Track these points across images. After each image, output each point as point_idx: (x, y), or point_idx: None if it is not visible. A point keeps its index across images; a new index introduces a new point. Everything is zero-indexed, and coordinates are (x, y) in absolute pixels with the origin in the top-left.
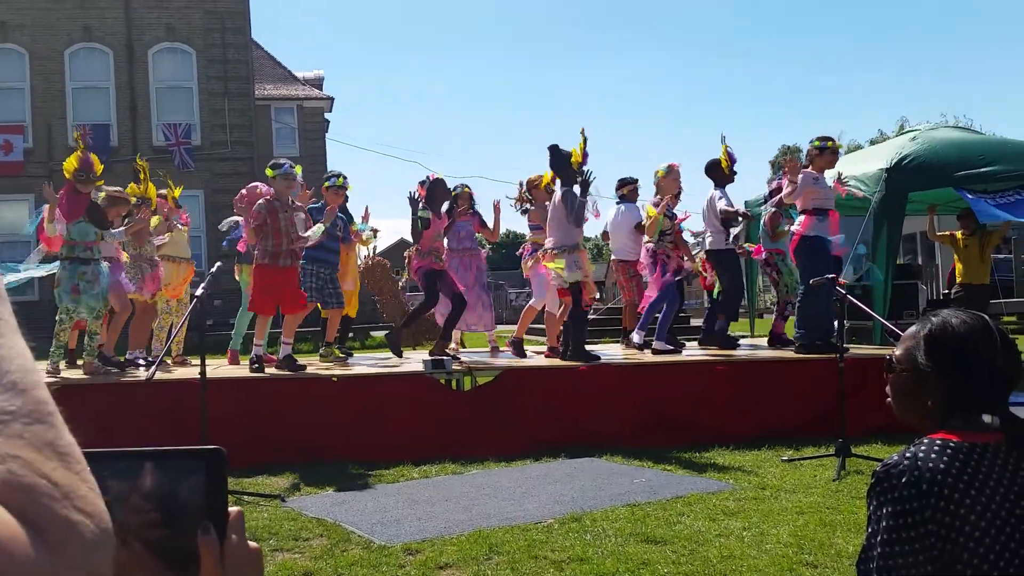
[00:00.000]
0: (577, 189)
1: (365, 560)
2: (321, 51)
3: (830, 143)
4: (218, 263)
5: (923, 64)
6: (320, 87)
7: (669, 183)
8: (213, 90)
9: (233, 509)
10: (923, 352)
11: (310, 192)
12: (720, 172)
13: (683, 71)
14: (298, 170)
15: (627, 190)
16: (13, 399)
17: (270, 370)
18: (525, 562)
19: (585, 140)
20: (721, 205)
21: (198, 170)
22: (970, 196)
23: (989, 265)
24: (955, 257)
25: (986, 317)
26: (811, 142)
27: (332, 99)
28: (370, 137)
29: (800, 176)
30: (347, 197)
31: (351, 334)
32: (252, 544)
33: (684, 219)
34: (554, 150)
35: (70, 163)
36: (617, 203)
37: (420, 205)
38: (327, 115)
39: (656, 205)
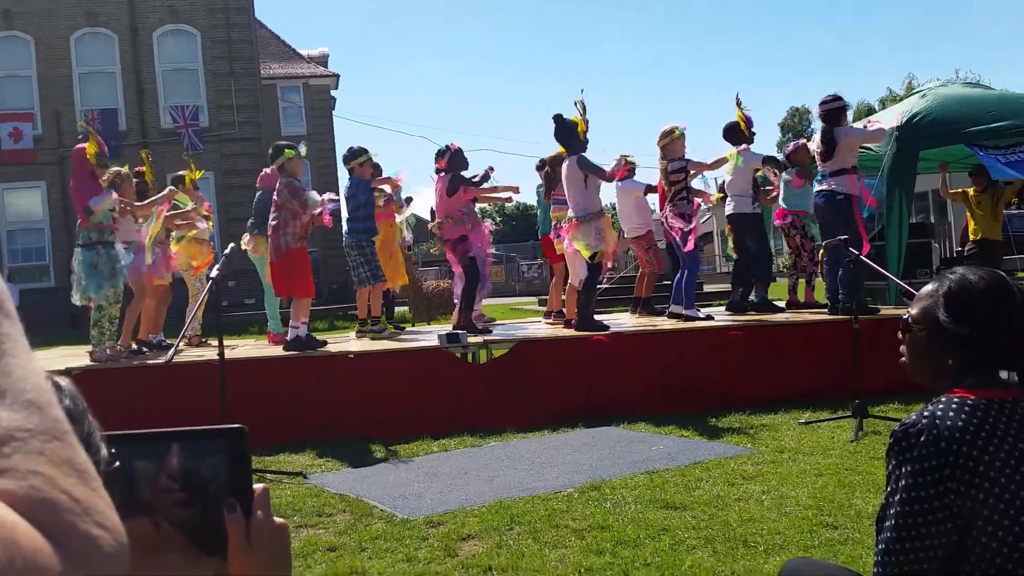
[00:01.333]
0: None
1: (388, 534)
2: (325, 28)
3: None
4: (231, 244)
5: (929, 21)
6: (325, 64)
7: (679, 146)
8: (219, 71)
9: (258, 486)
10: (943, 309)
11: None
12: (740, 134)
13: (688, 35)
14: (304, 150)
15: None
16: (31, 417)
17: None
18: (547, 531)
19: (584, 109)
20: (753, 165)
21: (207, 152)
22: (981, 153)
23: (1002, 221)
24: (967, 214)
25: (1002, 273)
26: (839, 101)
27: (338, 76)
28: (377, 113)
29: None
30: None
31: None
32: (278, 520)
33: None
34: (559, 120)
35: (92, 147)
36: (617, 180)
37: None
38: (333, 92)
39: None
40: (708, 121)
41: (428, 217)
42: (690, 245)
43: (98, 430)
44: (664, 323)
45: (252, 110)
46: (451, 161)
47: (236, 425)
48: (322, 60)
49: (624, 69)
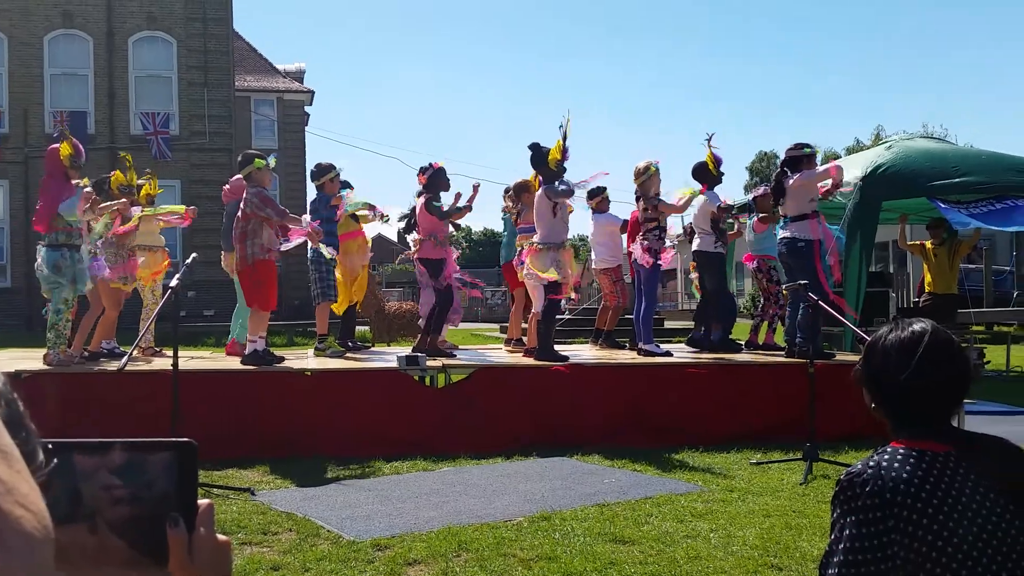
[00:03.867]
0: (560, 186)
1: (333, 555)
2: (303, 44)
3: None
4: (193, 254)
5: (899, 73)
6: (301, 80)
7: (655, 182)
8: (193, 80)
9: (203, 502)
10: (860, 362)
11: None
12: (707, 174)
13: (660, 76)
14: (273, 162)
15: (596, 201)
16: None
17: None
18: (494, 560)
19: (565, 136)
20: (711, 207)
21: (176, 160)
22: (943, 206)
23: (957, 275)
24: (924, 266)
25: (929, 331)
26: (802, 150)
27: (312, 92)
28: (351, 131)
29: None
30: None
31: None
32: (221, 537)
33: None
34: (535, 148)
35: (65, 149)
36: (592, 213)
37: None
38: (307, 108)
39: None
40: (677, 156)
41: (395, 239)
42: (666, 260)
43: (35, 435)
44: (623, 357)
45: (224, 121)
46: (431, 179)
47: (185, 439)
48: (298, 76)
49: (600, 95)
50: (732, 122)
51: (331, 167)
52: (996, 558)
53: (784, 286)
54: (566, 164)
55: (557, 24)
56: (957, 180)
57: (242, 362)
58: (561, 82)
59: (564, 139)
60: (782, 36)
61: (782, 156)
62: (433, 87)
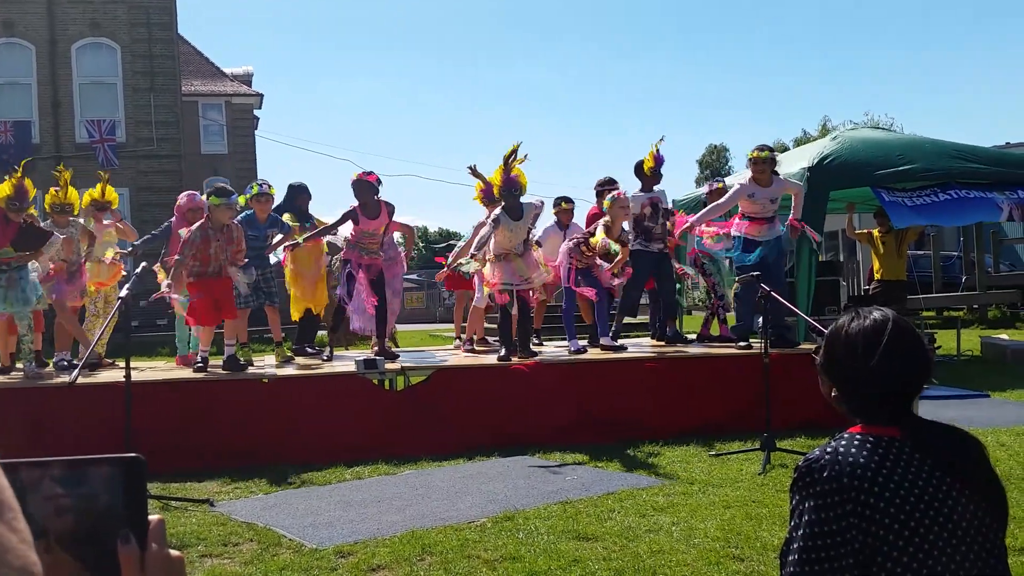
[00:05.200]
0: (497, 214)
1: (296, 564)
2: (250, 47)
3: (755, 153)
4: (143, 264)
5: (844, 64)
6: (249, 83)
7: (616, 211)
8: (138, 86)
9: (153, 517)
10: (821, 350)
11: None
12: (642, 173)
13: (610, 72)
14: (255, 188)
15: (557, 211)
16: None
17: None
18: (458, 562)
19: (506, 161)
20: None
21: (123, 168)
22: (887, 198)
23: (906, 261)
24: (873, 254)
25: (892, 319)
26: (762, 152)
27: (261, 96)
28: (301, 135)
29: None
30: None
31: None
32: (174, 552)
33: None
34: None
35: (3, 190)
36: (556, 223)
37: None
38: (256, 112)
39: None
40: (628, 153)
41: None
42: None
43: None
44: (582, 353)
45: (171, 127)
46: (353, 187)
47: (132, 455)
48: (246, 79)
49: (550, 98)
50: (682, 117)
51: (260, 183)
52: (951, 541)
53: (738, 278)
54: (515, 191)
55: (504, 28)
56: (901, 168)
57: (194, 371)
58: (513, 84)
59: (505, 164)
60: (728, 32)
61: (732, 148)
62: (385, 88)
